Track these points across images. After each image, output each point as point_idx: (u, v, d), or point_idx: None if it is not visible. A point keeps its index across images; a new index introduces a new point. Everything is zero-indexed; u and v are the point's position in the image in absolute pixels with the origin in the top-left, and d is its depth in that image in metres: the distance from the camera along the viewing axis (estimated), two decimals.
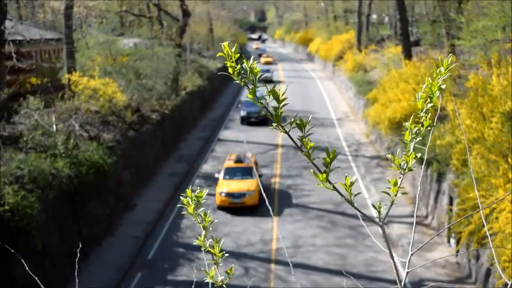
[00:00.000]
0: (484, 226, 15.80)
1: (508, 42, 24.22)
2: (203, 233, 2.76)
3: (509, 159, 16.09)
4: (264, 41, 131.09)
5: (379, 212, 2.38)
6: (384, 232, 2.36)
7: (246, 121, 43.99)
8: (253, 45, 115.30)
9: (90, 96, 28.27)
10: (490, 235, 15.72)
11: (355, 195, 2.36)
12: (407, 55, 33.83)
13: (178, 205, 2.88)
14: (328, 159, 2.24)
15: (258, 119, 43.05)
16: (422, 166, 2.86)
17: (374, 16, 69.82)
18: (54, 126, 23.04)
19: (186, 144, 38.02)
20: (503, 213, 15.03)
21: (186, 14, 47.35)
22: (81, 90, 28.16)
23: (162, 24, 49.62)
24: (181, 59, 45.50)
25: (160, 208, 26.40)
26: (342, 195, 2.35)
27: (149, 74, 36.30)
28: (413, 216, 22.96)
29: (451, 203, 20.68)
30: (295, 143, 2.27)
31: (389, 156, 2.37)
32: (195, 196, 2.77)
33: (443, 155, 21.91)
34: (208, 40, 69.44)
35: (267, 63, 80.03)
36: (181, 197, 2.75)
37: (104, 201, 23.75)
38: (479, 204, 3.54)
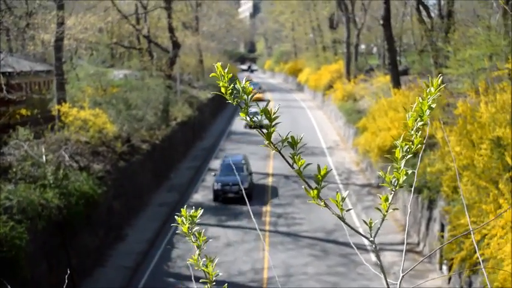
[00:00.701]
0: (475, 252, 15.79)
1: (495, 70, 24.50)
2: (197, 251, 2.76)
3: (499, 186, 16.16)
4: (253, 71, 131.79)
5: (370, 227, 2.39)
6: (375, 248, 2.37)
7: (222, 197, 31.23)
8: (244, 76, 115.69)
9: (80, 127, 28.26)
10: (482, 261, 15.69)
11: (347, 210, 2.37)
12: (396, 84, 34.13)
13: (172, 224, 2.88)
14: (319, 176, 2.25)
15: (239, 194, 30.73)
16: (412, 191, 2.88)
17: (362, 46, 70.55)
18: (44, 157, 22.94)
19: (177, 174, 37.94)
20: (494, 239, 15.04)
21: (176, 45, 47.74)
22: (71, 121, 28.15)
23: (152, 55, 49.95)
24: (172, 90, 45.68)
25: (151, 238, 26.21)
26: (332, 211, 2.35)
27: (139, 105, 36.38)
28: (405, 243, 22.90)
29: (442, 229, 20.68)
30: (287, 160, 2.29)
31: (380, 173, 2.39)
32: (190, 215, 2.78)
33: (434, 182, 21.97)
34: (198, 71, 69.78)
35: (258, 99, 75.51)
36: (175, 216, 2.76)
37: (94, 232, 23.56)
38: (471, 229, 3.55)
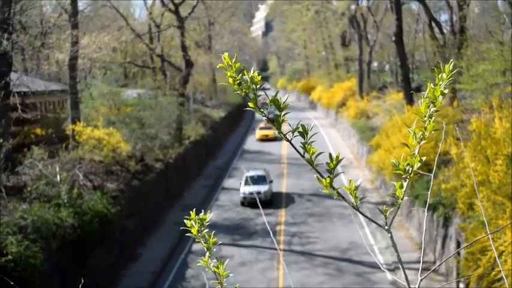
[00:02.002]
0: (493, 269, 15.58)
1: (509, 85, 24.36)
2: (207, 253, 2.72)
3: None
4: (265, 89, 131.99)
5: (385, 216, 2.35)
6: (391, 237, 2.33)
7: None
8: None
9: (94, 146, 28.37)
10: (499, 279, 15.47)
11: (361, 199, 2.33)
12: (409, 101, 34.01)
13: (181, 227, 2.86)
14: (332, 164, 2.22)
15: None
16: (426, 208, 2.83)
17: (375, 64, 70.54)
18: (58, 176, 23.04)
19: (190, 193, 37.92)
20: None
21: (189, 64, 47.97)
22: (85, 140, 28.28)
23: (166, 74, 50.21)
24: (185, 108, 45.84)
25: (165, 257, 26.14)
26: (345, 200, 2.32)
27: (153, 123, 36.52)
28: (421, 262, 22.65)
29: (458, 247, 20.44)
30: (297, 150, 2.26)
31: (394, 161, 2.35)
32: (199, 218, 2.75)
33: (449, 199, 21.76)
34: (211, 90, 70.07)
35: (265, 138, 58.24)
36: (184, 220, 2.73)
37: (107, 251, 23.54)
38: (491, 243, 3.49)
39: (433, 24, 38.51)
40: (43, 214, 19.17)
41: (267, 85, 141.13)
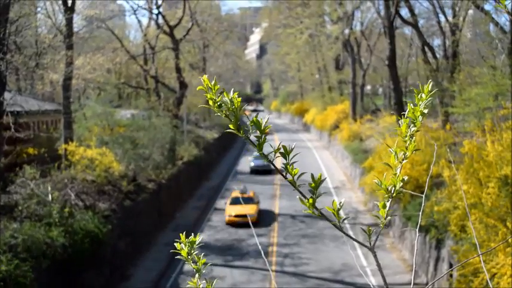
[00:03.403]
0: None
1: (501, 109, 24.54)
2: (196, 275, 2.73)
3: (508, 224, 16.01)
4: (258, 112, 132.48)
5: (368, 235, 2.37)
6: (375, 257, 2.34)
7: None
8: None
9: (86, 166, 28.30)
10: None
11: (344, 219, 2.35)
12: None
13: (171, 250, 2.86)
14: (313, 185, 2.23)
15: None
16: (418, 229, 2.86)
17: (368, 87, 70.99)
18: (50, 196, 22.94)
19: (183, 213, 37.78)
20: (504, 277, 14.82)
21: (183, 85, 48.15)
22: (77, 160, 28.22)
23: (160, 95, 50.37)
24: (178, 129, 45.88)
25: (156, 278, 25.95)
26: (328, 220, 2.33)
27: (146, 144, 36.50)
28: (413, 283, 22.57)
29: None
30: (280, 172, 2.27)
31: (376, 180, 2.37)
32: (189, 241, 2.76)
33: (441, 221, 21.78)
34: (205, 111, 70.18)
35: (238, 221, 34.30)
36: (175, 243, 2.74)
37: (98, 271, 23.35)
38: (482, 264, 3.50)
39: (426, 49, 38.83)
40: (34, 233, 19.05)
41: (260, 107, 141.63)
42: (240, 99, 2.29)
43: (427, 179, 3.14)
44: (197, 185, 46.36)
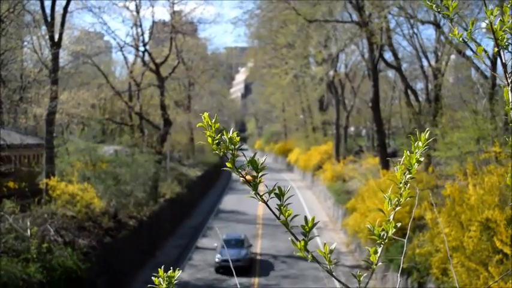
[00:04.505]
0: None
1: (483, 153, 24.79)
2: None
3: (489, 268, 16.00)
4: (242, 150, 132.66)
5: (359, 280, 2.34)
6: None
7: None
8: None
9: (67, 201, 28.01)
10: None
11: (335, 263, 2.32)
12: (385, 165, 34.37)
13: (149, 285, 2.80)
14: (307, 228, 2.22)
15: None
16: (399, 272, 2.84)
17: (352, 128, 71.54)
18: (29, 231, 22.60)
19: (163, 251, 37.33)
20: None
21: (168, 123, 48.16)
22: (58, 195, 27.93)
23: (144, 132, 50.32)
24: (161, 166, 45.72)
25: None
26: (320, 263, 2.30)
27: (128, 180, 36.26)
28: None
29: None
30: (273, 212, 2.25)
31: (369, 226, 2.35)
32: (167, 276, 2.72)
33: (423, 264, 21.72)
34: (189, 149, 70.18)
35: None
36: (152, 277, 2.69)
37: None
38: None
39: (409, 92, 39.36)
40: (10, 269, 18.70)
41: (244, 146, 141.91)
42: (238, 138, 2.30)
43: (410, 222, 3.13)
44: (179, 222, 45.98)
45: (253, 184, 2.25)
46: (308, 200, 58.41)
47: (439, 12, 2.49)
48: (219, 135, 2.31)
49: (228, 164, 2.30)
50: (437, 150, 28.62)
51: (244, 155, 2.32)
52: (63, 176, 31.20)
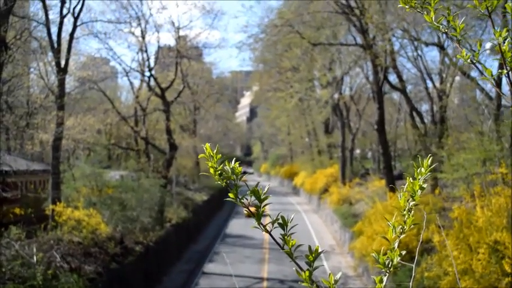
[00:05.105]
0: None
1: (489, 174, 24.69)
2: None
3: None
4: (246, 173, 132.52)
5: None
6: None
7: None
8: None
9: (73, 227, 27.94)
10: None
11: None
12: (391, 188, 34.21)
13: None
14: (311, 257, 2.19)
15: None
16: None
17: (357, 151, 71.43)
18: (35, 257, 22.53)
19: (170, 277, 37.09)
20: None
21: (173, 147, 48.23)
22: (64, 221, 27.89)
23: (149, 157, 50.36)
24: (167, 191, 45.66)
25: None
26: None
27: (134, 205, 36.20)
28: None
29: None
30: (277, 242, 2.23)
31: (373, 254, 2.32)
32: None
33: None
34: (195, 173, 70.11)
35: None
36: None
37: None
38: None
39: (414, 114, 39.37)
40: None
41: (250, 169, 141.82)
42: (241, 168, 2.29)
43: (418, 245, 3.09)
44: (185, 247, 45.77)
45: (257, 214, 2.23)
46: (314, 224, 58.14)
47: (446, 33, 2.49)
48: (221, 165, 2.30)
49: (230, 195, 2.28)
50: (444, 172, 28.51)
51: (246, 185, 2.30)
52: (69, 201, 31.19)
